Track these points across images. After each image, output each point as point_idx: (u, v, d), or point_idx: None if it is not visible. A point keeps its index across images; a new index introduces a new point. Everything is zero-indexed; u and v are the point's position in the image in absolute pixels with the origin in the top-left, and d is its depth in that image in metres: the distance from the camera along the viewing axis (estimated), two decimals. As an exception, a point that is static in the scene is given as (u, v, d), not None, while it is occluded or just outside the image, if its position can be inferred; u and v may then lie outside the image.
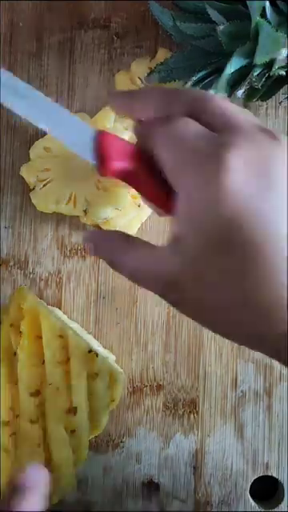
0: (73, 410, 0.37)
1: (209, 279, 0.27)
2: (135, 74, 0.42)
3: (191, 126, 0.29)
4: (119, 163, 0.31)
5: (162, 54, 0.42)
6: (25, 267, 0.43)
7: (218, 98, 0.30)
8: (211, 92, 0.37)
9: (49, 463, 0.37)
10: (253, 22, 0.35)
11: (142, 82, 0.41)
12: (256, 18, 0.35)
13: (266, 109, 0.42)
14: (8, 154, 0.43)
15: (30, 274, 0.43)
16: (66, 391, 0.36)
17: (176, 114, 0.30)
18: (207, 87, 0.38)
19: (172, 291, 0.29)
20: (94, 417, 0.38)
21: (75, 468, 0.38)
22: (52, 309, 0.41)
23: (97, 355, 0.37)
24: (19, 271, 0.43)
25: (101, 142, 0.32)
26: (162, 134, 0.29)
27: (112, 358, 0.41)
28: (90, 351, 0.37)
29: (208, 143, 0.28)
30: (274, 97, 0.41)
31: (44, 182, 0.41)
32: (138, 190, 0.33)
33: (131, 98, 0.32)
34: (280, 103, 0.42)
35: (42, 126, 0.33)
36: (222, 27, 0.35)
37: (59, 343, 0.37)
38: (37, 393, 0.36)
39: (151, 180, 0.31)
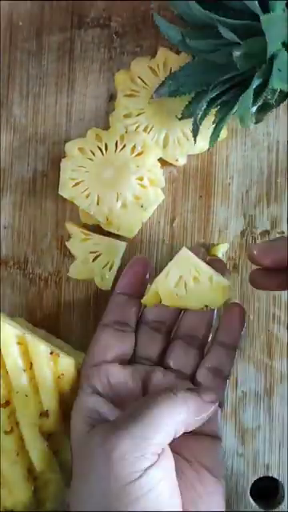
0: (45, 414, 0.37)
1: None
2: (135, 74, 0.42)
3: None
4: None
5: (163, 54, 0.41)
6: (25, 267, 0.43)
7: None
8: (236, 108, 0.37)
9: (32, 471, 0.37)
10: (270, 49, 0.34)
11: (143, 82, 0.41)
12: (275, 46, 0.34)
13: (267, 108, 0.42)
14: (8, 154, 0.43)
15: (29, 274, 0.43)
16: (34, 396, 0.37)
17: None
18: (223, 104, 0.38)
19: None
20: (69, 417, 0.38)
21: (63, 471, 0.38)
22: (14, 319, 0.42)
23: (58, 356, 0.37)
24: (19, 271, 0.43)
25: None
26: None
27: (82, 356, 0.41)
28: (52, 353, 0.37)
29: None
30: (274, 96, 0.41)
31: (76, 181, 0.41)
32: None
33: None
34: None
35: None
36: (237, 53, 0.34)
37: (19, 350, 0.37)
38: (6, 403, 0.36)
39: None
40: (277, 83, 0.35)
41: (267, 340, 0.42)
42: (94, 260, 0.42)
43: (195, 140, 0.39)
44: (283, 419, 0.41)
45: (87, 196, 0.41)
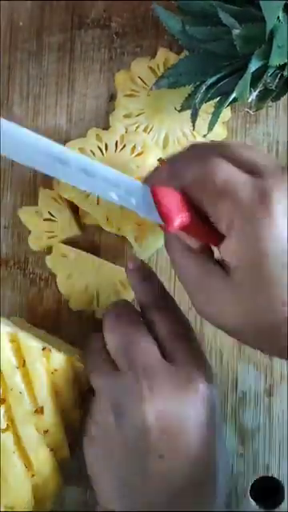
0: (40, 410, 0.37)
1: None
2: (135, 74, 0.42)
3: (227, 170, 0.32)
4: (181, 218, 0.33)
5: (163, 54, 0.41)
6: (25, 267, 0.43)
7: (237, 143, 0.34)
8: (234, 94, 0.37)
9: (30, 469, 0.37)
10: (269, 24, 0.34)
11: (143, 82, 0.41)
12: (273, 20, 0.34)
13: (267, 109, 0.42)
14: (8, 154, 0.43)
15: (29, 274, 0.43)
16: (29, 393, 0.37)
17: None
18: (222, 89, 0.38)
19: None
20: (65, 413, 0.38)
21: (62, 469, 0.38)
22: (11, 318, 0.42)
23: (51, 351, 0.37)
24: (19, 271, 0.43)
25: (158, 199, 0.33)
26: (202, 185, 0.32)
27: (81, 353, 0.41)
28: (44, 349, 0.37)
29: (251, 189, 0.31)
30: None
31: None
32: (189, 233, 0.34)
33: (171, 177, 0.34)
34: None
35: (92, 191, 0.35)
36: (237, 31, 0.34)
37: (11, 347, 0.37)
38: (1, 401, 0.37)
39: (200, 223, 0.33)
40: (277, 60, 0.35)
41: (267, 340, 0.42)
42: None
43: (194, 126, 0.39)
44: (283, 419, 0.41)
45: (87, 196, 0.41)
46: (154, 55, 0.42)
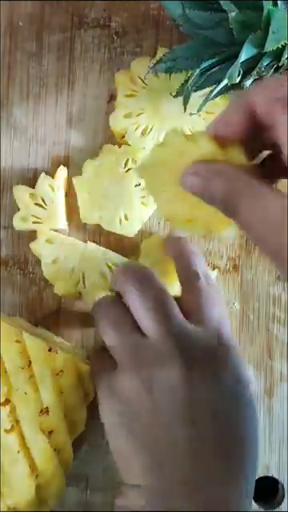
0: (45, 411, 0.37)
1: None
2: (135, 74, 0.42)
3: None
4: None
5: (162, 53, 0.41)
6: (25, 267, 0.43)
7: None
8: (226, 81, 0.37)
9: (34, 469, 0.37)
10: (265, 10, 0.35)
11: (143, 82, 0.41)
12: (269, 5, 0.34)
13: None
14: (8, 154, 0.43)
15: (29, 274, 0.43)
16: (34, 394, 0.37)
17: None
18: (216, 76, 0.38)
19: None
20: (70, 414, 0.38)
21: (65, 469, 0.38)
22: (13, 318, 0.42)
23: (57, 352, 0.37)
24: (19, 271, 0.43)
25: None
26: None
27: (83, 354, 0.41)
28: (50, 349, 0.37)
29: None
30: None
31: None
32: None
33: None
34: None
35: None
36: (234, 14, 0.35)
37: (17, 348, 0.37)
38: (6, 401, 0.36)
39: None
40: (272, 45, 0.35)
41: (267, 340, 0.42)
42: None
43: (185, 109, 0.39)
44: (283, 419, 0.41)
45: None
46: (153, 55, 0.42)
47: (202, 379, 0.34)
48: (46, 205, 0.42)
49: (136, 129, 0.41)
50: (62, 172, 0.42)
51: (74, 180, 0.42)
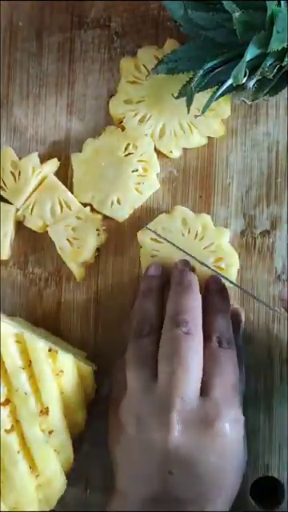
0: (45, 411, 0.37)
1: None
2: (141, 62, 0.41)
3: None
4: None
5: (170, 44, 0.41)
6: (25, 267, 0.43)
7: None
8: (230, 81, 0.37)
9: (34, 470, 0.37)
10: (269, 10, 0.35)
11: (148, 71, 0.41)
12: (273, 5, 0.35)
13: (267, 108, 0.42)
14: (8, 154, 0.43)
15: (29, 274, 0.43)
16: (34, 394, 0.37)
17: None
18: (219, 77, 0.38)
19: None
20: (70, 414, 0.38)
21: (65, 469, 0.38)
22: (13, 318, 0.42)
23: (57, 352, 0.37)
24: (19, 271, 0.43)
25: None
26: None
27: (83, 354, 0.41)
28: (50, 349, 0.37)
29: None
30: (275, 96, 0.41)
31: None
32: None
33: None
34: None
35: None
36: (237, 14, 0.35)
37: (17, 348, 0.37)
38: (6, 402, 0.36)
39: None
40: (277, 45, 0.35)
41: (267, 340, 0.42)
42: None
43: (188, 110, 0.39)
44: (283, 420, 0.41)
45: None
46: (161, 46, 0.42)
47: (189, 445, 0.35)
48: (18, 180, 0.42)
49: (134, 115, 0.41)
50: (51, 163, 0.42)
51: (73, 156, 0.42)
